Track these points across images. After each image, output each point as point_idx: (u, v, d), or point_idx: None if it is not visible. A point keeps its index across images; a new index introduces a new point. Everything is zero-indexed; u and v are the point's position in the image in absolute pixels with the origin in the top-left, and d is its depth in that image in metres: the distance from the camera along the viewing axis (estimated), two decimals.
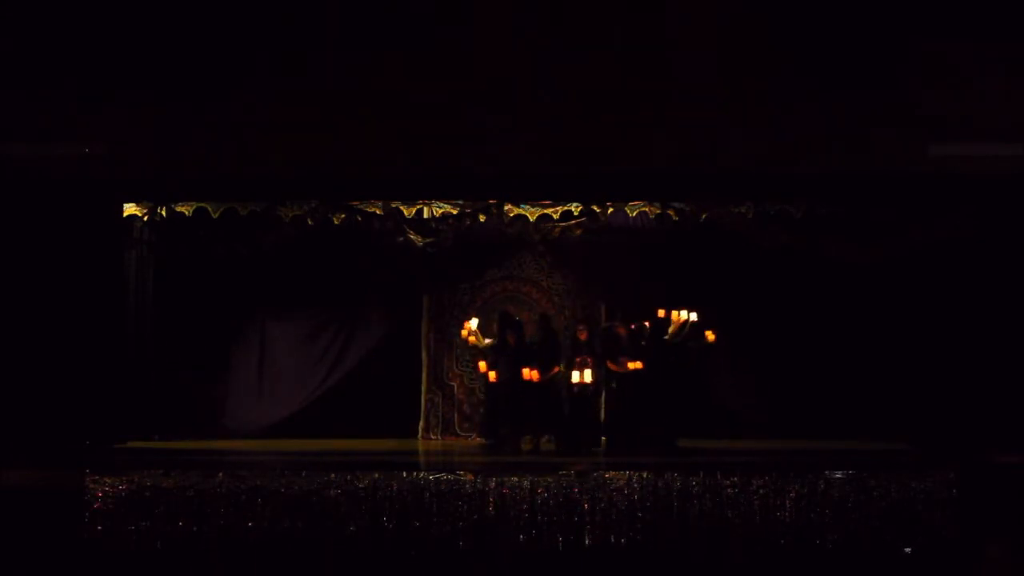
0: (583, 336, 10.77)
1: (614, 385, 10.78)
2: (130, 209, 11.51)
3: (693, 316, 10.69)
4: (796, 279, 11.81)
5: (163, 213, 11.53)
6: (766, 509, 8.20)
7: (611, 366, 10.62)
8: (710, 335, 10.84)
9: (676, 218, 11.62)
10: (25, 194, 10.24)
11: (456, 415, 12.24)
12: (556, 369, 10.78)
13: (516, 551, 8.11)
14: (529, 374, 10.45)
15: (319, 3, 8.95)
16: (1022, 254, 10.50)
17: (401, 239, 11.54)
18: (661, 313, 10.78)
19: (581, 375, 10.42)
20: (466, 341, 11.49)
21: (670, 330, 10.70)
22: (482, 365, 11.14)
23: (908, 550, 8.16)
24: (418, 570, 8.07)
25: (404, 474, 8.27)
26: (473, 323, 11.26)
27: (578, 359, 10.53)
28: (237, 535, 8.13)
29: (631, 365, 10.50)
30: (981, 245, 10.73)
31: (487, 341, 11.21)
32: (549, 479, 8.23)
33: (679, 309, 10.73)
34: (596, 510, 8.18)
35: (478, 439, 11.98)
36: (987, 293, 10.71)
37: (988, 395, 10.50)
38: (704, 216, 11.45)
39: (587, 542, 8.14)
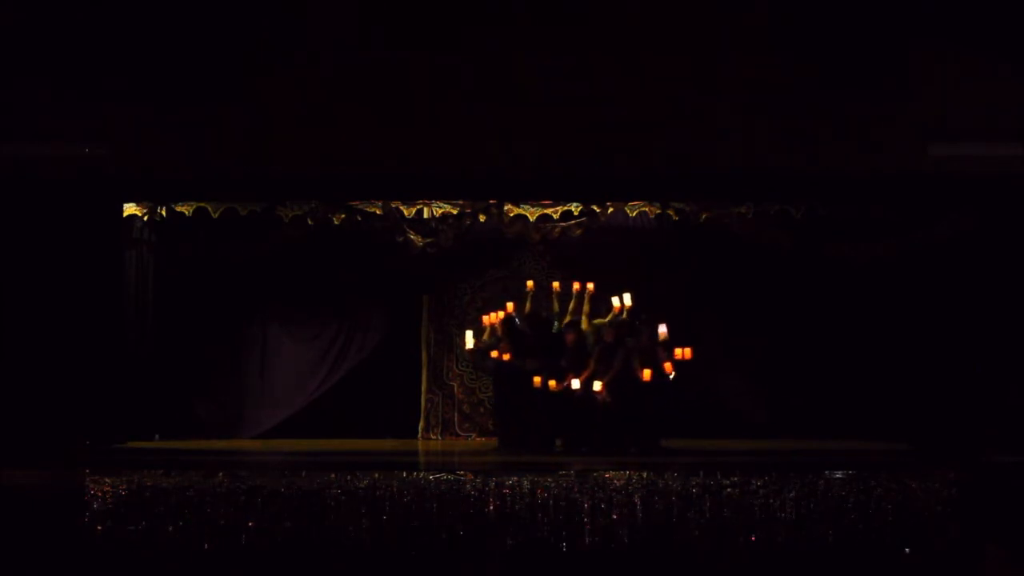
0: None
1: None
2: (130, 209, 11.51)
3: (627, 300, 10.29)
4: (796, 279, 11.81)
5: (163, 213, 11.55)
6: (766, 509, 8.19)
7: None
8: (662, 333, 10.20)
9: (676, 218, 11.64)
10: (25, 194, 10.24)
11: (456, 415, 12.23)
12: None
13: (516, 551, 8.11)
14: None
15: (319, 3, 8.96)
16: (1022, 254, 10.50)
17: (401, 239, 11.55)
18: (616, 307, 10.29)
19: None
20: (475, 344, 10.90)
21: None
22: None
23: (908, 550, 8.15)
24: (418, 570, 8.07)
25: (404, 474, 8.25)
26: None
27: None
28: (237, 535, 8.12)
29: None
30: (980, 245, 10.74)
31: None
32: (549, 479, 8.22)
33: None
34: (596, 510, 8.18)
35: (479, 439, 11.96)
36: (987, 293, 10.71)
37: (988, 395, 10.50)
38: (704, 216, 11.48)
39: (587, 542, 8.13)
